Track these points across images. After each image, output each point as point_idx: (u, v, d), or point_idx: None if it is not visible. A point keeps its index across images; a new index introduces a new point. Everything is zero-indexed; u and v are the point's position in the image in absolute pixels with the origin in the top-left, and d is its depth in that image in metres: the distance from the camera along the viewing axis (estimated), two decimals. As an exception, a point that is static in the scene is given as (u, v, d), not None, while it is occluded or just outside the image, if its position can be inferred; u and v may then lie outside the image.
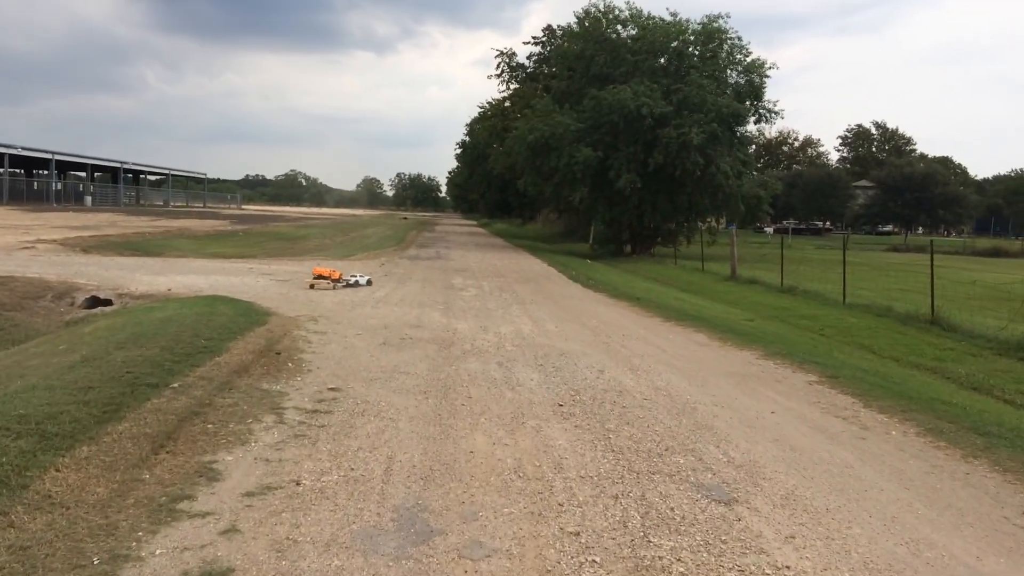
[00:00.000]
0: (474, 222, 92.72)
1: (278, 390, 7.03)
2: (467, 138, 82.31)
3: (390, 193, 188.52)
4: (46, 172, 71.39)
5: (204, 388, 6.79)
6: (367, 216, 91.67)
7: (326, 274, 15.70)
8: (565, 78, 36.83)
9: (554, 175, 33.85)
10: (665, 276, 24.87)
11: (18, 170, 74.83)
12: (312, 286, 15.35)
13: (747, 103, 34.27)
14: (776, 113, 34.96)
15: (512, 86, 46.84)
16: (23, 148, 63.69)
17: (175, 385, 6.78)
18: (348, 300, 13.70)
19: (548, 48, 42.71)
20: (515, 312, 13.44)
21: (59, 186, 69.79)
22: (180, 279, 15.75)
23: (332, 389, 7.19)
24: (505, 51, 45.42)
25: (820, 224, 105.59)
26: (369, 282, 16.34)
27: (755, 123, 35.52)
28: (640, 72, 33.37)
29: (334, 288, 15.33)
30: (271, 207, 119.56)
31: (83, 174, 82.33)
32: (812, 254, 36.59)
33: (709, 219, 37.47)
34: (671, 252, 35.33)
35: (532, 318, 12.77)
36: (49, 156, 68.37)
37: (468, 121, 78.15)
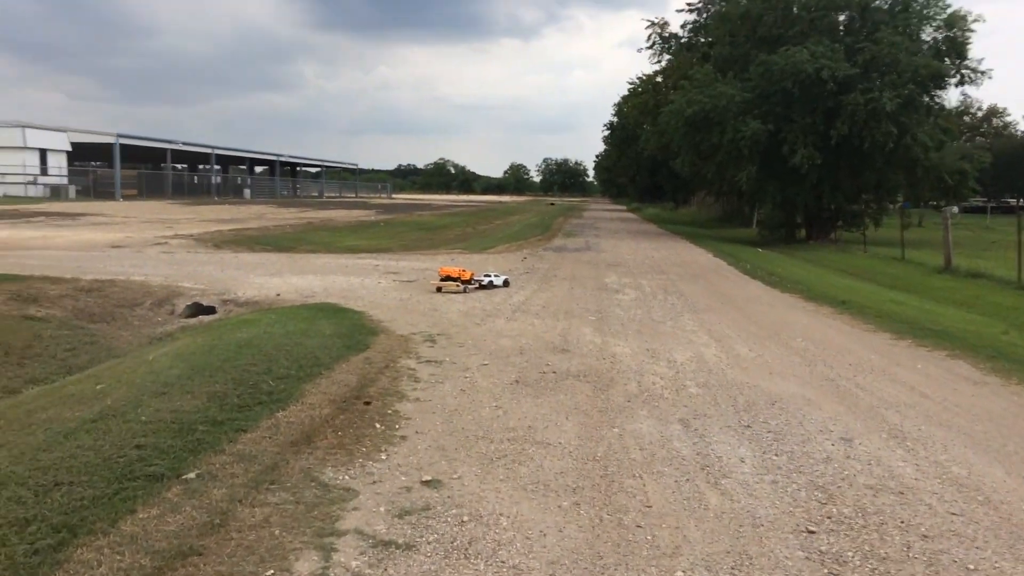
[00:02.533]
0: (623, 207, 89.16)
1: (343, 485, 4.47)
2: (615, 119, 78.99)
3: (537, 179, 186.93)
4: (207, 167, 74.04)
5: (231, 482, 4.34)
6: (513, 202, 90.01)
7: (455, 274, 13.24)
8: (726, 44, 32.92)
9: (716, 153, 30.18)
10: (860, 268, 20.93)
11: (183, 165, 78.16)
12: (439, 289, 12.94)
13: (947, 62, 29.21)
14: (983, 73, 29.62)
15: (665, 59, 43.22)
16: (184, 143, 65.99)
17: (190, 476, 4.37)
18: (478, 309, 11.16)
19: (705, 14, 38.77)
20: (689, 324, 10.46)
21: (218, 180, 72.06)
22: (295, 281, 13.77)
23: (427, 483, 4.56)
24: (656, 21, 41.88)
25: (1015, 202, 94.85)
26: (506, 283, 13.81)
27: (957, 85, 30.27)
28: (817, 31, 29.07)
29: (464, 291, 12.86)
30: (420, 195, 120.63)
31: (243, 167, 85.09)
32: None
33: (899, 199, 32.51)
34: (857, 237, 30.85)
35: (713, 334, 9.76)
36: (209, 151, 70.72)
37: (616, 101, 74.74)
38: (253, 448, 4.88)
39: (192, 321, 11.59)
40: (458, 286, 12.97)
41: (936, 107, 29.97)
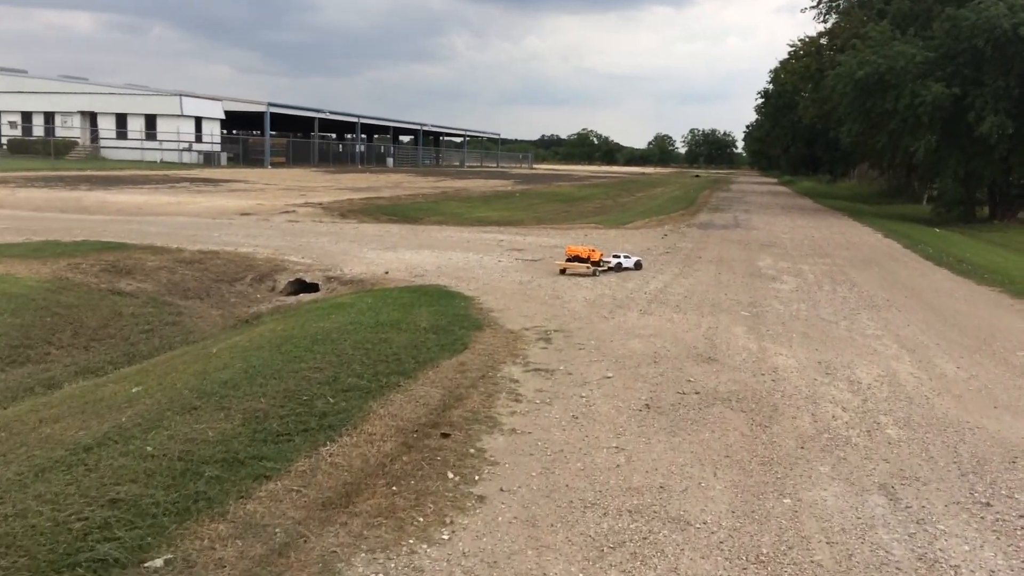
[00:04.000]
0: (774, 179, 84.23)
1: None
2: (771, 86, 74.16)
3: (682, 150, 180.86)
4: (352, 136, 75.21)
5: None
6: (657, 174, 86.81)
7: (584, 254, 11.59)
8: (907, -1, 29.22)
9: (889, 120, 26.81)
10: (1068, 255, 17.68)
11: (331, 134, 79.80)
12: (563, 271, 11.34)
13: None
14: None
15: (831, 20, 39.33)
16: (331, 112, 67.00)
17: (156, 564, 3.01)
18: (608, 297, 9.49)
19: (880, -34, 34.78)
20: (869, 326, 8.39)
21: (362, 148, 73.03)
22: (409, 256, 12.54)
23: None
24: (824, -24, 38.00)
25: None
26: (638, 265, 12.04)
27: None
28: (1017, -22, 25.11)
29: (594, 274, 11.21)
30: (562, 166, 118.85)
31: (387, 136, 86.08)
32: None
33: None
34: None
35: (903, 341, 7.68)
36: (355, 120, 71.64)
37: (774, 68, 69.96)
38: (266, 512, 3.48)
39: (290, 300, 10.54)
40: (587, 268, 11.33)
41: None
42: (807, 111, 46.76)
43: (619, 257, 12.16)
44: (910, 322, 8.69)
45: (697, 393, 5.69)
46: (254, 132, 68.68)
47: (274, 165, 56.75)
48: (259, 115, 58.90)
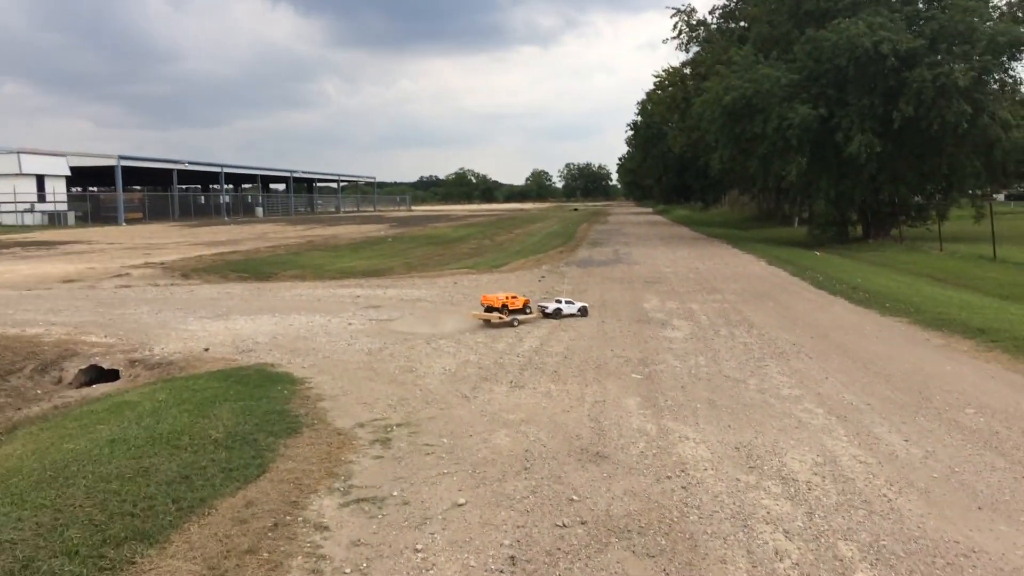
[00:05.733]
0: (649, 209, 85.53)
1: None
2: (639, 118, 75.42)
3: (559, 184, 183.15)
4: (216, 187, 71.53)
5: None
6: (535, 209, 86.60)
7: (498, 303, 10.38)
8: (765, 24, 29.29)
9: (759, 144, 26.52)
10: (949, 272, 17.16)
11: (196, 185, 75.72)
12: (487, 322, 10.21)
13: (1026, 27, 25.31)
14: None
15: (693, 51, 39.61)
16: (190, 163, 63.45)
17: None
18: (473, 365, 7.77)
19: (737, -1, 35.20)
20: (781, 383, 6.99)
21: (227, 199, 69.47)
22: (242, 325, 10.50)
23: None
24: (683, 8, 38.24)
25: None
26: (583, 311, 10.92)
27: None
28: (872, 0, 25.38)
29: (512, 324, 10.20)
30: (441, 206, 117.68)
31: (252, 186, 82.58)
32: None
33: (976, 188, 28.43)
34: (921, 234, 27.08)
35: (827, 404, 6.28)
36: (218, 170, 68.17)
37: (640, 99, 71.18)
38: None
39: (77, 395, 8.33)
40: (498, 318, 10.17)
41: (1010, 81, 26.17)
42: (675, 140, 47.09)
43: (559, 303, 10.86)
44: (827, 373, 7.35)
45: (583, 524, 4.00)
46: (107, 188, 64.24)
47: (129, 222, 52.84)
48: (110, 169, 54.87)
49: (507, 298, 10.49)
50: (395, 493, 4.45)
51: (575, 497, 4.36)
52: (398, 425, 5.79)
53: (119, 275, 18.52)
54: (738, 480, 4.58)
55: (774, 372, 7.41)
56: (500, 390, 6.82)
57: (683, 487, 4.49)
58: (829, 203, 27.93)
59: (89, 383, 8.88)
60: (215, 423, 5.68)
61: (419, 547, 3.76)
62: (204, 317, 11.32)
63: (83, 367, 9.08)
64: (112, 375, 8.92)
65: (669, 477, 4.65)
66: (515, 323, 10.19)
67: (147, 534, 3.79)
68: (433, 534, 3.90)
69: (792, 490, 4.42)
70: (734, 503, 4.25)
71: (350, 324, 10.45)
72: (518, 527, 3.98)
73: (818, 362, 7.86)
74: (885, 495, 4.36)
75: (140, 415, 6.02)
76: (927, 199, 28.13)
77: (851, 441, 5.31)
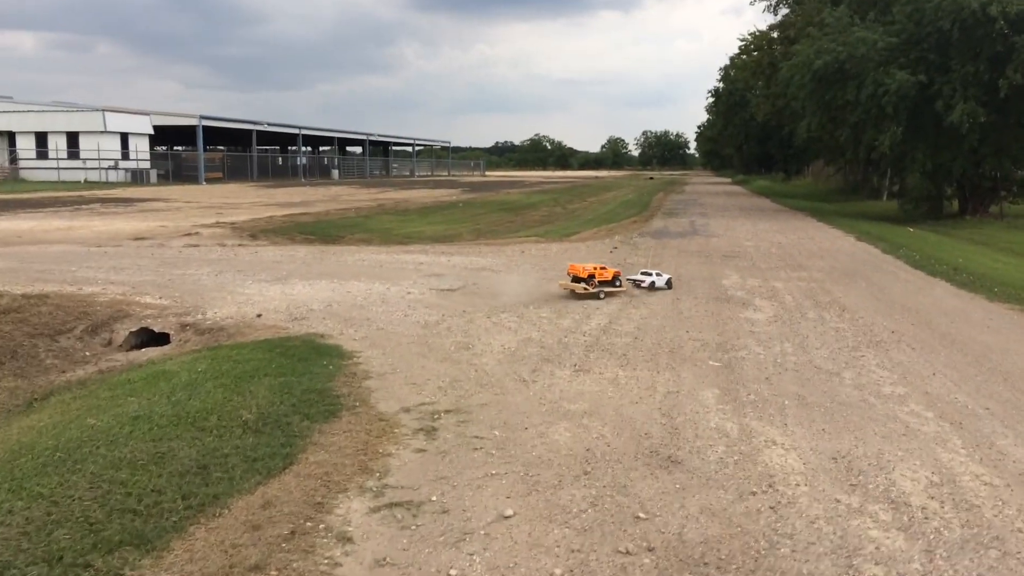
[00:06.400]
0: (728, 179, 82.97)
1: None
2: (721, 84, 72.83)
3: (635, 152, 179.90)
4: (294, 148, 72.23)
5: None
6: (610, 177, 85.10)
7: (586, 273, 9.83)
8: (863, -18, 27.44)
9: (851, 112, 24.96)
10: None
11: (275, 147, 76.64)
12: (575, 292, 9.76)
13: None
14: None
15: (782, 12, 37.71)
16: (269, 124, 64.14)
17: None
18: (535, 343, 7.15)
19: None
20: (882, 378, 6.17)
21: (304, 161, 70.05)
22: (299, 290, 10.12)
23: None
24: (774, -33, 36.34)
25: None
26: (669, 283, 10.47)
27: None
28: (982, -44, 23.41)
29: (599, 296, 9.68)
30: (515, 172, 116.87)
31: (329, 148, 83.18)
32: None
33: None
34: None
35: (938, 406, 5.46)
36: (296, 131, 68.78)
37: (723, 65, 68.64)
38: None
39: (124, 359, 8.04)
40: (584, 289, 9.70)
41: None
42: (760, 108, 45.16)
43: (650, 275, 10.42)
44: (934, 368, 6.48)
45: (651, 551, 3.36)
46: (190, 148, 65.48)
47: (209, 181, 53.63)
48: (192, 129, 55.74)
49: (595, 268, 9.94)
50: (434, 498, 3.88)
51: (642, 514, 3.71)
52: (447, 412, 5.23)
53: (189, 234, 18.48)
54: (838, 502, 3.86)
55: (872, 364, 6.58)
56: (562, 374, 6.20)
57: (771, 507, 3.79)
58: (924, 176, 26.22)
59: (140, 346, 8.60)
60: (249, 402, 5.21)
61: (453, 573, 3.18)
62: (263, 280, 10.98)
63: (134, 329, 8.80)
64: (163, 339, 8.61)
65: (754, 493, 3.96)
66: (601, 295, 9.63)
67: (145, 538, 3.31)
68: (472, 555, 3.32)
69: (905, 518, 3.68)
70: (835, 532, 3.54)
71: (409, 293, 9.94)
72: (573, 551, 3.36)
73: (922, 354, 6.98)
74: (1020, 529, 3.58)
75: (174, 388, 5.61)
76: (1034, 174, 26.15)
77: (971, 455, 4.51)
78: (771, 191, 50.66)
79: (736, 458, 4.44)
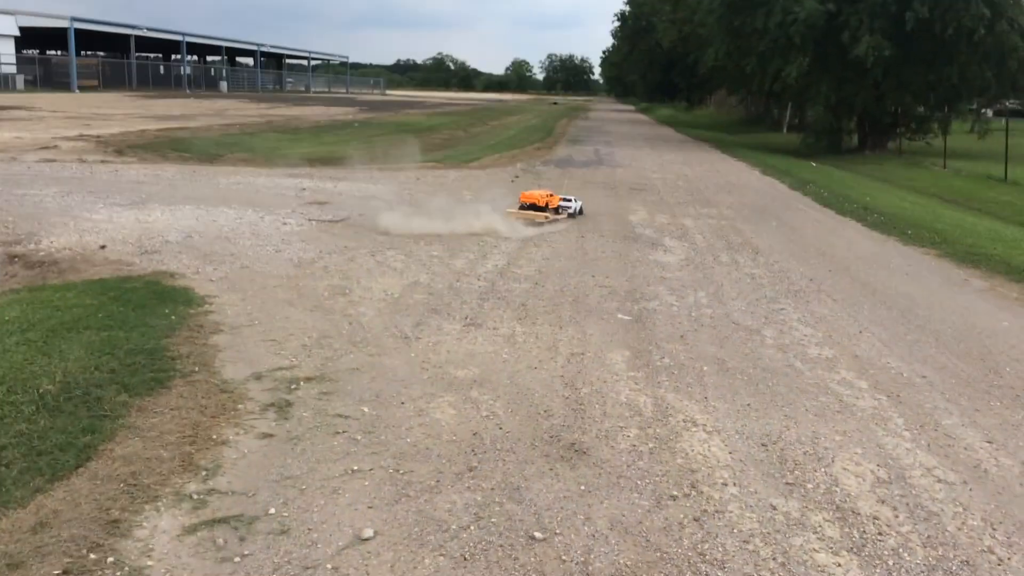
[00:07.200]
0: (632, 107, 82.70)
1: None
2: (627, 8, 71.68)
3: (540, 77, 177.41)
4: (179, 57, 67.47)
5: None
6: (514, 101, 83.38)
7: (541, 201, 9.74)
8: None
9: (759, 40, 24.51)
10: (960, 194, 15.71)
11: (157, 54, 71.41)
12: (535, 222, 9.44)
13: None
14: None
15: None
16: (149, 29, 59.42)
17: None
18: (422, 288, 6.25)
19: None
20: (806, 336, 5.57)
21: (188, 71, 65.60)
22: (157, 216, 8.83)
23: None
24: None
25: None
26: (581, 211, 10.21)
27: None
28: None
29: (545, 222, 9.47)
30: (417, 92, 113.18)
31: (222, 59, 78.27)
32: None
33: (986, 101, 26.72)
34: (920, 148, 25.53)
35: (871, 375, 4.87)
36: (180, 38, 64.10)
37: (631, -12, 67.44)
38: None
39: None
40: (545, 217, 9.50)
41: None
42: (666, 33, 44.57)
43: (571, 201, 10.08)
44: (860, 325, 5.92)
45: (548, 593, 2.58)
46: (63, 52, 60.18)
47: (83, 89, 49.52)
48: (64, 32, 51.04)
49: (548, 196, 9.94)
50: (272, 510, 2.99)
51: (538, 533, 2.92)
52: (307, 380, 4.31)
53: (46, 147, 16.54)
54: (774, 509, 3.17)
55: (793, 319, 5.98)
56: (451, 329, 5.33)
57: (695, 519, 3.07)
58: (828, 109, 26.17)
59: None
60: (55, 366, 4.14)
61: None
62: (117, 204, 9.60)
63: (-55, 265, 7.43)
64: (-19, 275, 7.29)
65: (675, 497, 3.22)
66: (547, 220, 9.48)
67: None
68: (309, 608, 2.46)
69: (856, 534, 3.02)
70: (774, 557, 2.84)
71: (285, 224, 8.81)
72: (448, 597, 2.54)
73: (845, 307, 6.43)
74: (990, 548, 2.98)
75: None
76: (930, 111, 26.42)
77: (916, 440, 3.91)
78: (675, 120, 50.44)
79: (651, 445, 3.70)
